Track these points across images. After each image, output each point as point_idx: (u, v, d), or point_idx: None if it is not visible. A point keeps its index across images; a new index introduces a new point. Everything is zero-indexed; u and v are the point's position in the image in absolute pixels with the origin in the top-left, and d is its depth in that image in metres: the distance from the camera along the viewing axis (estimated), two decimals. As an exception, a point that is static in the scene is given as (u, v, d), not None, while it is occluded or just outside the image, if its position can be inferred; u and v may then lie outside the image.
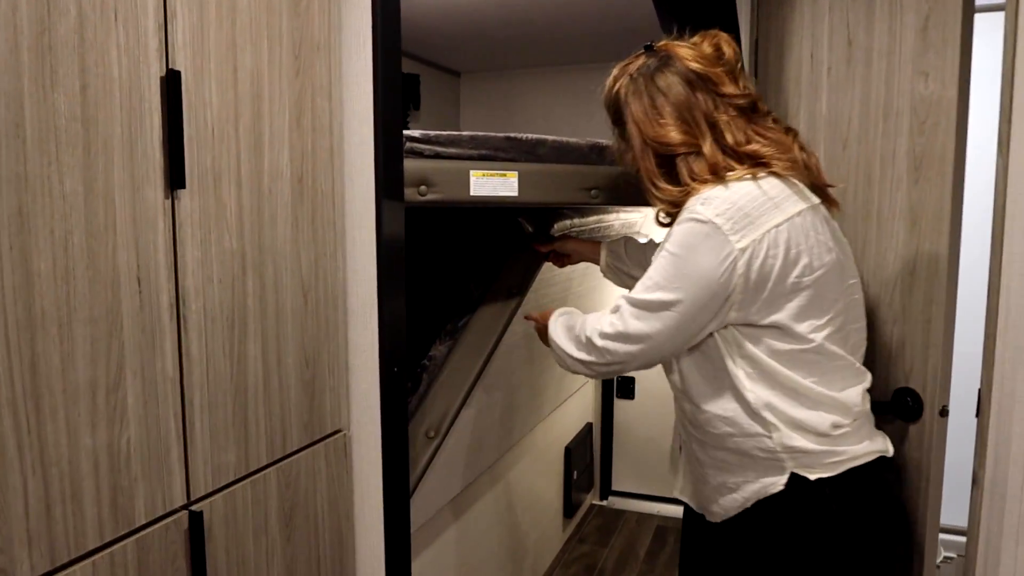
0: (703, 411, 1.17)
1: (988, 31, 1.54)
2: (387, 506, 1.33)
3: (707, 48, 1.19)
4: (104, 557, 0.84)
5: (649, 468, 3.33)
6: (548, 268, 1.82)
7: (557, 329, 1.30)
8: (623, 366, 1.20)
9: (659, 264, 1.12)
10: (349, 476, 1.32)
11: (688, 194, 1.13)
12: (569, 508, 2.93)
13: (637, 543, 2.91)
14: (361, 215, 1.28)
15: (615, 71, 1.28)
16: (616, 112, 1.27)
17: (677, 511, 3.33)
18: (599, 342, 1.18)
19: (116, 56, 0.83)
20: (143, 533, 0.89)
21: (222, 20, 0.98)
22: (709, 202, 1.07)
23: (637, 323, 1.13)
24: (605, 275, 1.62)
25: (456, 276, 1.74)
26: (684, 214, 1.10)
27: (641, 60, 1.23)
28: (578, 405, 3.09)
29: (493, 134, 1.44)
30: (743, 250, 1.05)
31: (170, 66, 0.90)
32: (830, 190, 1.19)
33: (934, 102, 1.31)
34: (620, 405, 3.36)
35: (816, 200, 1.13)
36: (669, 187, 1.16)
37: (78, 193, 0.79)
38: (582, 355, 1.22)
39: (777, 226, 1.06)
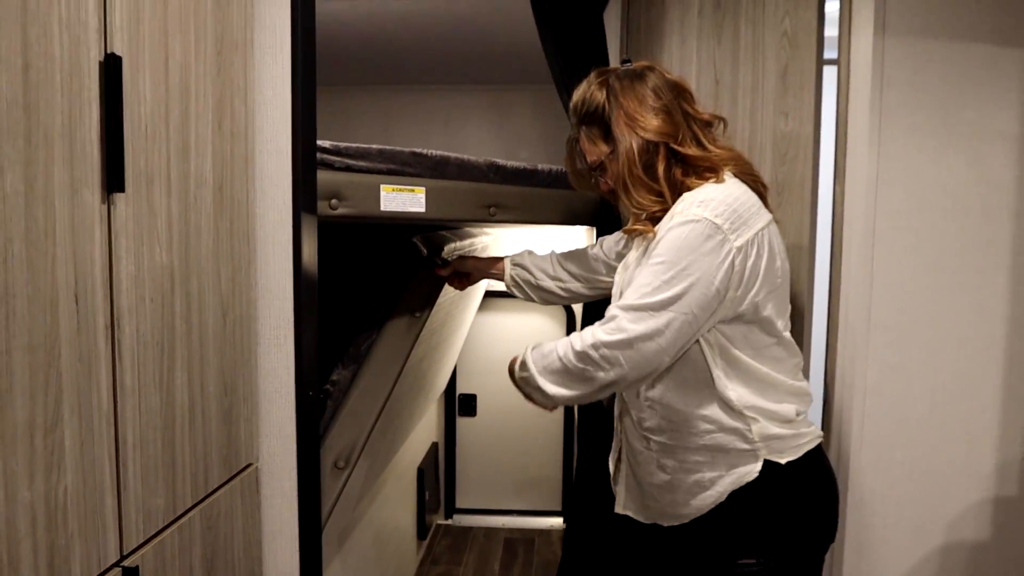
0: (681, 413, 1.20)
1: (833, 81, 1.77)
2: (303, 548, 1.22)
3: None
4: (40, 635, 0.69)
5: (491, 483, 3.38)
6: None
7: (531, 366, 1.21)
8: (621, 381, 1.13)
9: (655, 270, 1.11)
10: (258, 515, 1.20)
11: (668, 198, 1.18)
12: (422, 530, 2.88)
13: (490, 557, 2.94)
14: (275, 228, 1.18)
15: (593, 76, 1.30)
16: (594, 114, 1.27)
17: (522, 523, 3.44)
18: (595, 353, 1.11)
19: (58, 32, 0.70)
20: (79, 600, 0.75)
21: (156, 2, 0.87)
22: (706, 204, 1.11)
23: (638, 326, 1.09)
24: (509, 287, 1.64)
25: (352, 295, 1.66)
26: (676, 218, 1.13)
27: (621, 69, 1.28)
28: (425, 424, 3.05)
29: (400, 149, 1.40)
30: (739, 249, 1.11)
31: (109, 50, 0.78)
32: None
33: (793, 138, 1.52)
34: (463, 423, 3.38)
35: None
36: (651, 187, 1.20)
37: (19, 194, 0.66)
38: (567, 390, 1.17)
39: (763, 228, 1.16)
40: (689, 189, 1.19)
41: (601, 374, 1.13)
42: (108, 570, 0.80)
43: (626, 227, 1.25)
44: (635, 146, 1.20)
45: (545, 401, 1.24)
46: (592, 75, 1.30)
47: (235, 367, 1.10)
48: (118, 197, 0.80)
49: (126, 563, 0.83)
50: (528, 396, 1.27)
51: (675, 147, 1.20)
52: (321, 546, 1.28)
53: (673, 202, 1.20)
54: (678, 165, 1.21)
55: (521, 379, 1.26)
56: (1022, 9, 1.47)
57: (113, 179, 0.79)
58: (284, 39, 1.15)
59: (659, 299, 1.10)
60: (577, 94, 1.32)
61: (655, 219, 1.22)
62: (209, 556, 1.02)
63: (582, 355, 1.14)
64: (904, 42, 1.50)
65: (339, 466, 1.40)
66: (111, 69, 0.78)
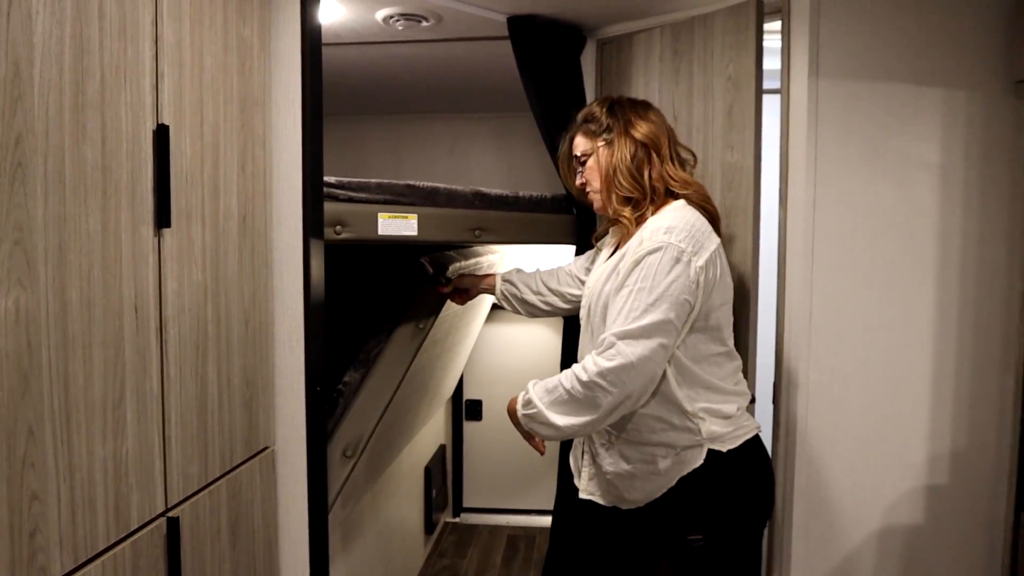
0: (639, 415, 1.40)
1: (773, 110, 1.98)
2: (311, 520, 1.46)
3: None
4: (109, 558, 0.93)
5: (497, 484, 3.59)
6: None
7: (537, 402, 1.36)
8: (628, 401, 1.29)
9: (634, 296, 1.30)
10: (274, 490, 1.44)
11: (646, 191, 1.44)
12: (429, 525, 3.10)
13: (493, 552, 3.15)
14: (289, 251, 1.42)
15: (601, 99, 1.57)
16: (596, 116, 1.51)
17: (524, 521, 3.67)
18: (602, 380, 1.27)
19: (125, 113, 0.95)
20: (136, 536, 0.99)
21: (194, 80, 1.12)
22: (671, 231, 1.34)
23: (635, 349, 1.27)
24: (499, 301, 1.87)
25: (363, 306, 1.90)
26: (645, 244, 1.34)
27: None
28: (433, 427, 3.28)
29: (396, 182, 1.65)
30: (701, 268, 1.34)
31: (159, 121, 1.03)
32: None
33: (738, 168, 1.73)
34: (469, 427, 3.60)
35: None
36: (634, 176, 1.44)
37: (98, 232, 0.91)
38: (575, 418, 1.31)
39: (716, 249, 1.38)
40: (657, 196, 1.45)
41: (609, 398, 1.29)
42: (157, 517, 1.04)
43: (609, 216, 1.51)
44: (627, 144, 1.46)
45: (552, 434, 1.39)
46: (600, 99, 1.58)
47: (255, 366, 1.34)
48: (166, 231, 1.05)
49: (170, 514, 1.07)
50: (530, 433, 1.44)
51: (657, 155, 1.46)
52: (327, 520, 1.51)
53: (644, 199, 1.45)
54: (654, 168, 1.46)
55: (526, 416, 1.40)
56: (936, 55, 1.68)
57: (162, 217, 1.03)
58: (296, 97, 1.40)
59: (647, 323, 1.29)
60: (584, 109, 1.59)
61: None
62: (234, 518, 1.26)
63: (589, 383, 1.30)
64: (835, 83, 1.72)
65: (347, 455, 1.64)
66: (161, 135, 1.03)
